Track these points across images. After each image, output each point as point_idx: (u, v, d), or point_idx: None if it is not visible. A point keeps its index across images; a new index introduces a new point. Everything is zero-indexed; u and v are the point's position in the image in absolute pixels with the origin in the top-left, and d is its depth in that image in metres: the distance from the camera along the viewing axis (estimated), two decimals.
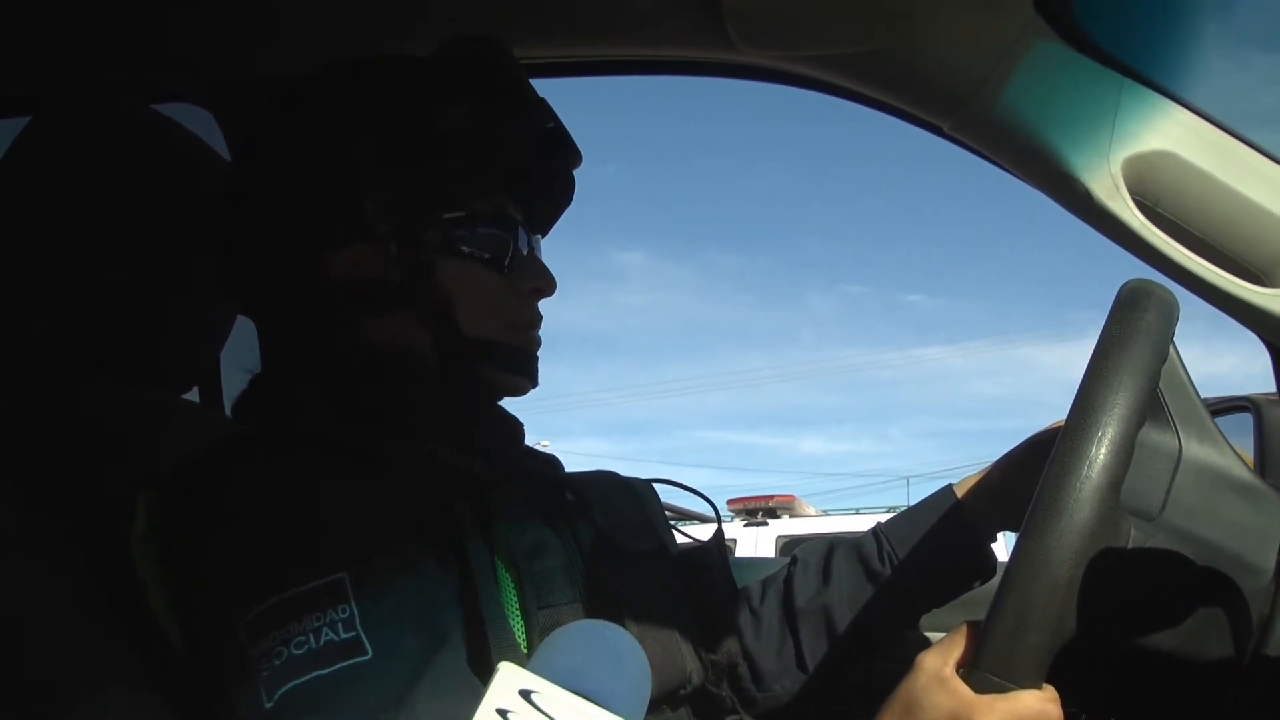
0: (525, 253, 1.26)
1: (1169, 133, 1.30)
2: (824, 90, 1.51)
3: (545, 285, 1.27)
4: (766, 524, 10.82)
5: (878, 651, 1.42)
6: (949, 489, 1.41)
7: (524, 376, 1.27)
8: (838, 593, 1.40)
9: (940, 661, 0.98)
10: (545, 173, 1.31)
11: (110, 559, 1.08)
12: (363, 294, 1.20)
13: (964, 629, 1.00)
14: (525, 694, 0.74)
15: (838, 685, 1.41)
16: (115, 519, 1.08)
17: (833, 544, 1.46)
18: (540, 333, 1.29)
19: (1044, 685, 0.94)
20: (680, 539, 1.44)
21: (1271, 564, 1.04)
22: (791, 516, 11.10)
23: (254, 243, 1.24)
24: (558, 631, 0.85)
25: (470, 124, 1.20)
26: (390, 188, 1.19)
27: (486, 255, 1.22)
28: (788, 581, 1.45)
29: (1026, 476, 1.23)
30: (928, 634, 1.76)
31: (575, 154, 1.32)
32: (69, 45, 1.60)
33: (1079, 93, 1.32)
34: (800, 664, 1.40)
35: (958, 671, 0.97)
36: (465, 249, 1.21)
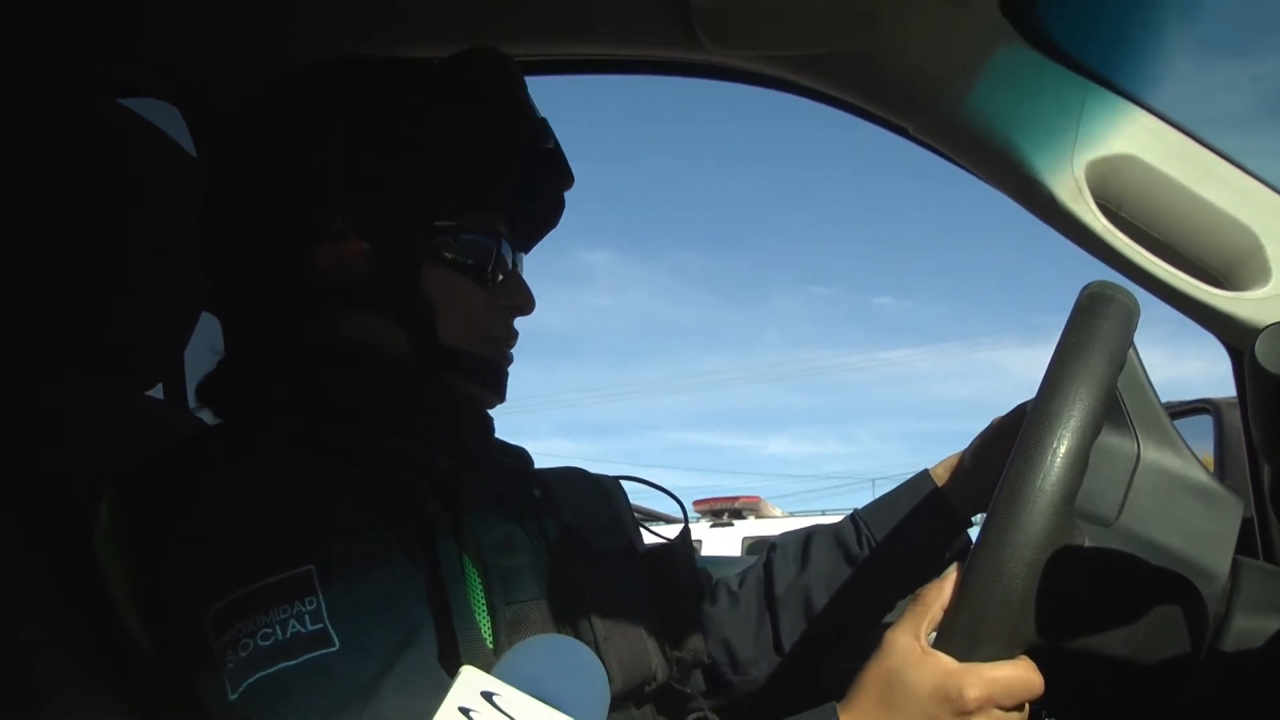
0: (510, 268, 1.27)
1: (1132, 137, 1.32)
2: (791, 91, 1.52)
3: (524, 303, 1.27)
4: (732, 525, 10.87)
5: (845, 644, 1.43)
6: (925, 474, 1.42)
7: (493, 391, 1.27)
8: (816, 576, 1.42)
9: (912, 635, 0.98)
10: (539, 191, 1.32)
11: (71, 556, 1.07)
12: (345, 290, 1.20)
13: (922, 599, 1.00)
14: (487, 696, 0.74)
15: (814, 668, 1.41)
16: (78, 516, 1.07)
17: (812, 531, 1.48)
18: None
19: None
20: (648, 537, 1.45)
21: (1226, 567, 1.05)
22: (757, 518, 11.16)
23: (241, 229, 1.22)
24: (520, 644, 0.85)
25: (474, 134, 1.20)
26: (387, 186, 1.18)
27: (472, 266, 1.22)
28: (767, 567, 1.47)
29: (997, 458, 1.24)
30: None
31: (569, 176, 1.32)
32: (32, 36, 1.58)
33: (1044, 96, 1.34)
34: (778, 648, 1.42)
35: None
36: (452, 258, 1.21)
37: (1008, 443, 0.98)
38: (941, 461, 1.43)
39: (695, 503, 11.52)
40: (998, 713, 0.95)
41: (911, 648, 0.97)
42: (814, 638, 1.41)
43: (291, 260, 1.20)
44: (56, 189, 1.28)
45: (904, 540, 1.40)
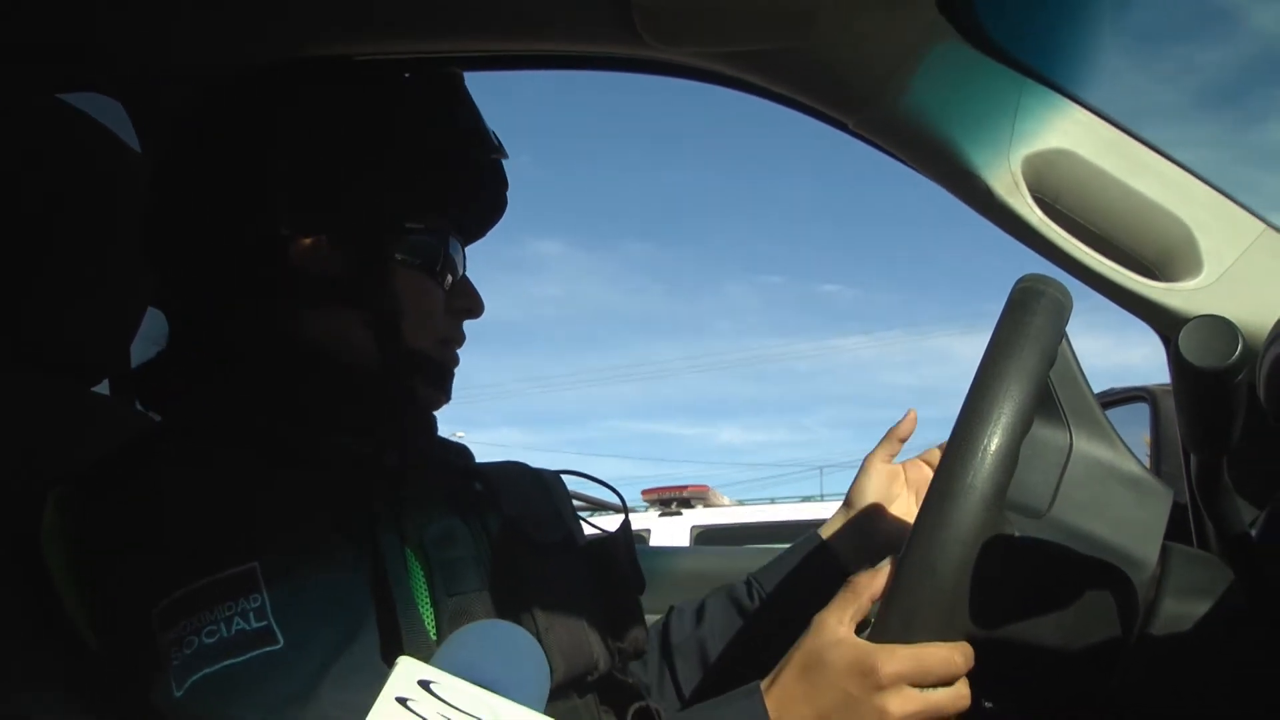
0: (459, 271, 1.30)
1: (1067, 131, 1.34)
2: (730, 86, 1.53)
3: (475, 307, 1.31)
4: (681, 514, 10.87)
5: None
6: (814, 532, 1.49)
7: (442, 392, 1.30)
8: (711, 629, 1.47)
9: (837, 618, 1.02)
10: (489, 198, 1.35)
11: (19, 556, 1.07)
12: (311, 287, 1.20)
13: (853, 585, 1.04)
14: (425, 684, 0.75)
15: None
16: (25, 517, 1.07)
17: (709, 594, 1.54)
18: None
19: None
20: (589, 530, 1.46)
21: (1155, 556, 1.08)
22: (706, 506, 11.17)
23: (198, 227, 1.22)
24: (457, 631, 0.86)
25: (448, 141, 1.24)
26: (363, 185, 1.20)
27: (434, 269, 1.25)
28: (665, 625, 1.52)
29: (873, 520, 1.39)
30: None
31: (506, 181, 1.36)
32: None
33: (980, 92, 1.36)
34: (679, 696, 1.46)
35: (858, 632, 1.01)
36: (418, 260, 1.24)
37: (879, 478, 1.01)
38: (829, 518, 1.50)
39: (643, 492, 11.50)
40: (911, 690, 0.98)
41: (835, 628, 1.01)
42: (711, 681, 1.45)
43: (247, 259, 1.20)
44: (4, 187, 1.27)
45: (788, 592, 1.46)
